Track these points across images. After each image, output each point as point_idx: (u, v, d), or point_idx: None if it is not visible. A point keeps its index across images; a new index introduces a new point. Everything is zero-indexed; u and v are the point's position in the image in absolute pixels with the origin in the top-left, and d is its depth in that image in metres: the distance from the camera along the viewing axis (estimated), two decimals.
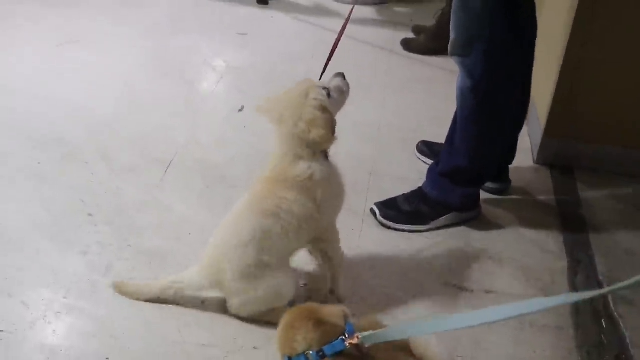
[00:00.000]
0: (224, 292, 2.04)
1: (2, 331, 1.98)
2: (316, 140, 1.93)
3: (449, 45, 2.31)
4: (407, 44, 3.96)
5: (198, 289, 2.09)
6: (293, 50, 3.86)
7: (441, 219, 2.49)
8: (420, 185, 2.56)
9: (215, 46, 3.91)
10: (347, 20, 2.25)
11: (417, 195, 2.53)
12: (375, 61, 3.72)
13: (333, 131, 1.98)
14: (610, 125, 2.77)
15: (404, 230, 2.46)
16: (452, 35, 2.29)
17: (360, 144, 2.96)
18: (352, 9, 2.37)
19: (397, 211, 2.50)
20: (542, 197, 2.69)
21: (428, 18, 4.18)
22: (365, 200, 2.62)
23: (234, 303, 2.03)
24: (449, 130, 2.50)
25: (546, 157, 2.85)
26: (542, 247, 2.45)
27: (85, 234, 2.38)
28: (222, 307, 2.07)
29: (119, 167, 2.75)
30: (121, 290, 2.12)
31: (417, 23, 4.22)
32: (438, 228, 2.49)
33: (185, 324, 2.04)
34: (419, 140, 2.93)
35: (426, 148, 2.89)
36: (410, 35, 4.10)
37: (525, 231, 2.51)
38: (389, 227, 2.47)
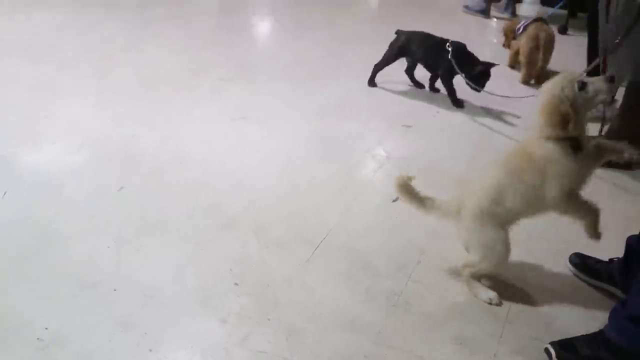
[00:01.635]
0: (460, 224, 2.54)
1: None
2: (541, 126, 2.35)
3: None
4: None
5: (445, 213, 2.59)
6: (454, 147, 3.87)
7: None
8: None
9: (378, 135, 3.99)
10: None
11: (597, 338, 2.30)
12: None
13: (565, 122, 2.29)
14: None
15: None
16: None
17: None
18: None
19: (574, 354, 2.28)
20: None
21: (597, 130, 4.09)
22: (510, 306, 2.54)
23: (463, 239, 2.59)
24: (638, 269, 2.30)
25: None
26: None
27: (228, 302, 2.47)
28: None
29: (270, 241, 2.83)
30: (401, 184, 2.61)
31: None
32: None
33: None
34: (571, 253, 2.82)
35: (579, 260, 2.77)
36: None
37: None
38: None
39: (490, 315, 2.48)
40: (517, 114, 4.41)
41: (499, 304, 2.52)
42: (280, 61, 5.21)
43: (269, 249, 2.79)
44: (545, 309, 2.56)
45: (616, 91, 4.17)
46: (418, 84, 4.82)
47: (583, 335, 2.34)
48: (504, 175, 2.44)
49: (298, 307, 2.47)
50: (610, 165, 3.70)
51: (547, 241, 2.98)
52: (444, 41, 4.49)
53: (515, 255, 2.79)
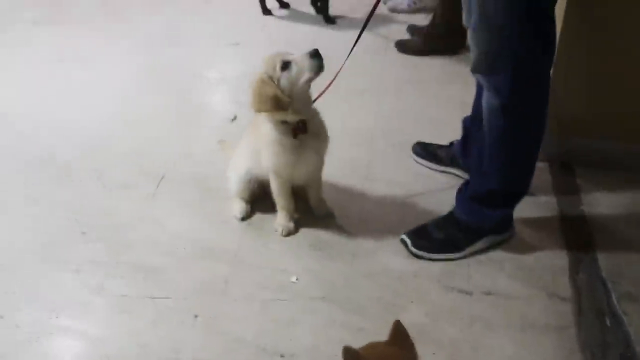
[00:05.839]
0: None
1: None
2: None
3: (472, 63, 2.14)
4: (401, 46, 3.92)
5: None
6: None
7: (476, 244, 2.34)
8: (413, 187, 2.49)
9: (208, 57, 3.89)
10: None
11: (448, 220, 2.39)
12: (369, 64, 3.68)
13: (277, 105, 2.17)
14: (609, 120, 2.71)
15: (438, 260, 2.32)
16: (474, 53, 2.11)
17: (354, 148, 2.92)
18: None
19: (429, 240, 2.35)
20: (541, 195, 2.62)
21: (423, 19, 4.16)
22: (361, 205, 2.58)
23: None
24: (474, 150, 2.36)
25: (545, 153, 2.78)
26: (542, 246, 2.39)
27: (77, 252, 2.37)
28: None
29: (112, 183, 2.73)
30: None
31: (412, 23, 4.18)
32: (473, 254, 2.35)
33: (181, 341, 2.01)
34: (414, 142, 2.88)
35: (421, 149, 2.84)
36: (405, 36, 4.05)
37: (524, 229, 2.45)
38: (422, 257, 2.33)
39: (342, 218, 2.51)
40: (349, 16, 4.41)
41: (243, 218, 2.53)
42: None
43: (112, 191, 2.69)
44: (396, 202, 2.62)
45: None
46: (284, 4, 4.57)
47: (434, 220, 2.42)
48: (253, 139, 2.42)
49: (151, 244, 2.40)
50: (435, 51, 3.82)
51: (390, 135, 3.03)
52: None
53: (360, 157, 2.85)
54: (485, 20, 2.01)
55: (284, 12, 4.51)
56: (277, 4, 4.52)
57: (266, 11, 4.43)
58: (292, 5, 4.54)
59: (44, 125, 3.15)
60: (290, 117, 2.24)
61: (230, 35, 4.12)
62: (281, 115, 2.23)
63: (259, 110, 2.24)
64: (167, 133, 3.09)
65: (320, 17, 4.34)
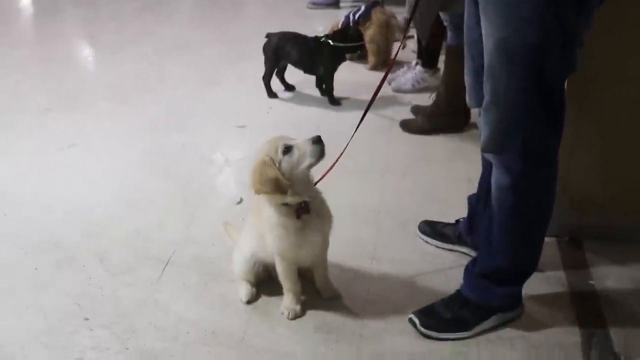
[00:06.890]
0: None
1: None
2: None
3: (482, 143, 2.15)
4: (405, 125, 3.95)
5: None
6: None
7: (485, 322, 2.31)
8: (419, 265, 2.48)
9: (213, 140, 3.92)
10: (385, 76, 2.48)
11: (456, 299, 2.36)
12: (374, 144, 3.71)
13: (278, 188, 2.18)
14: (618, 194, 2.71)
15: (447, 339, 2.28)
16: (484, 132, 2.12)
17: (361, 227, 2.92)
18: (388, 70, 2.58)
19: (437, 319, 2.32)
20: (549, 270, 2.59)
21: (427, 99, 4.21)
22: (368, 285, 2.55)
23: None
24: (483, 228, 2.34)
25: (552, 229, 2.76)
26: (553, 322, 2.35)
27: (81, 339, 2.33)
28: None
29: (116, 268, 2.71)
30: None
31: (416, 103, 4.23)
32: (482, 332, 2.31)
33: None
34: (420, 221, 2.87)
35: (428, 228, 2.82)
36: (409, 116, 4.09)
37: (534, 306, 2.41)
38: (431, 337, 2.29)
39: (349, 299, 2.48)
40: (354, 97, 4.47)
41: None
42: (102, 82, 5.03)
43: (116, 275, 2.66)
44: (403, 282, 2.59)
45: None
46: (289, 87, 4.63)
47: (443, 299, 2.39)
48: (255, 222, 2.44)
49: (155, 330, 2.36)
50: (439, 130, 3.86)
51: (396, 214, 3.02)
52: (317, 38, 4.39)
53: (366, 236, 2.83)
54: (497, 100, 2.04)
55: (289, 94, 4.58)
56: (282, 87, 4.59)
57: (271, 94, 4.49)
58: (297, 88, 4.61)
59: (50, 210, 3.15)
60: (290, 200, 2.24)
61: (236, 118, 4.17)
62: (281, 198, 2.23)
63: (258, 192, 2.24)
64: (172, 216, 3.09)
65: (325, 99, 4.40)
